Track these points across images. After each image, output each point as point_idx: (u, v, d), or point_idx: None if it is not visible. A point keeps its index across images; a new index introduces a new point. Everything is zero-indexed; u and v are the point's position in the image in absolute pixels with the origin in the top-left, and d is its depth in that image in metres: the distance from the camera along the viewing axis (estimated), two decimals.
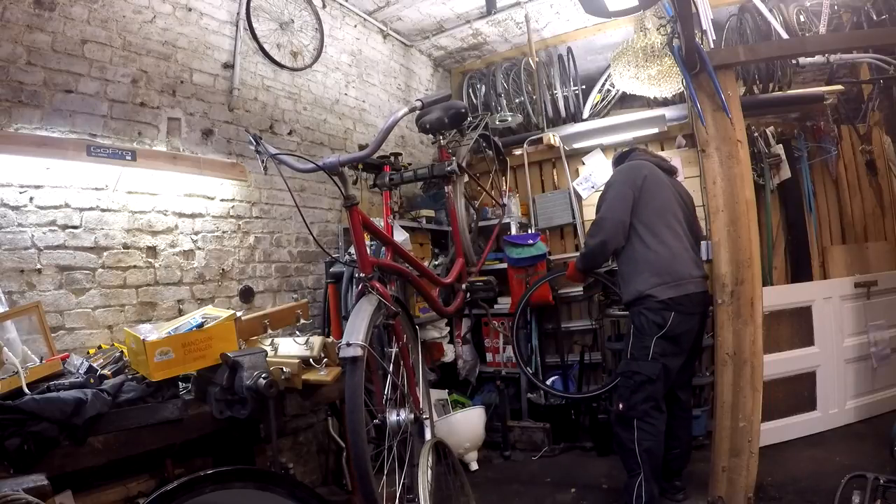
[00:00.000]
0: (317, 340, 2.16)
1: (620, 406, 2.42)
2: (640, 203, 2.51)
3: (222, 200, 2.79)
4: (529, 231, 4.04)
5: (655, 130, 3.99)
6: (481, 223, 3.84)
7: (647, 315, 2.44)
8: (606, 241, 2.53)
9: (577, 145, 4.16)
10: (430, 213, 3.84)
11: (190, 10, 2.71)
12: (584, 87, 4.57)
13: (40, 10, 2.11)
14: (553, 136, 4.11)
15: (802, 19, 3.40)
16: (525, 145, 4.19)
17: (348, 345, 1.58)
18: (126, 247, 2.35)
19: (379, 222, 2.46)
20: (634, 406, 2.38)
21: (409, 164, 3.00)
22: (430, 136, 2.86)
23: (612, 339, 3.56)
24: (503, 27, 4.31)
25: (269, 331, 2.39)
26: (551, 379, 3.80)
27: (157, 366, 1.79)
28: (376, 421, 1.89)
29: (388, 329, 1.94)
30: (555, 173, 4.29)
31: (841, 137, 3.81)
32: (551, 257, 3.94)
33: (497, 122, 4.13)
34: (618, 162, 2.84)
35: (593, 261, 2.74)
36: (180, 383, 2.01)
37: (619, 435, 2.45)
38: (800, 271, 3.74)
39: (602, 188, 2.87)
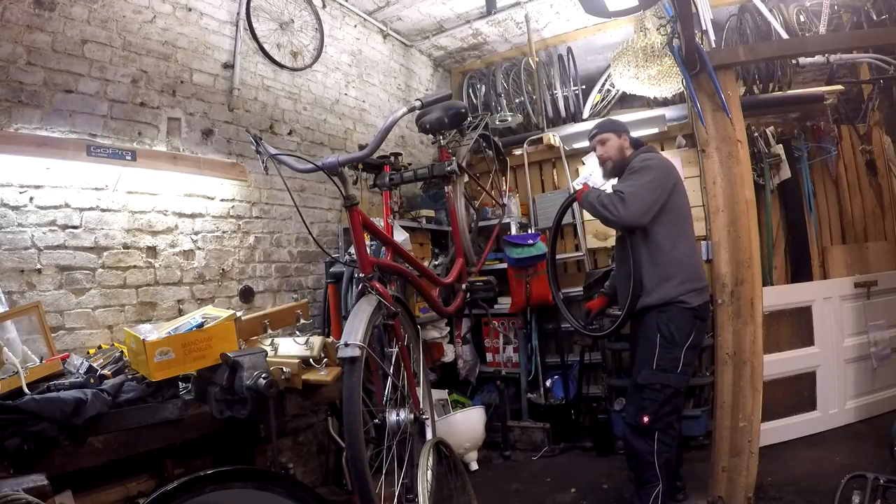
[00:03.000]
0: (317, 340, 2.17)
1: (646, 419, 2.29)
2: (670, 205, 2.38)
3: (222, 200, 2.79)
4: (529, 231, 4.04)
5: (655, 130, 4.00)
6: (481, 223, 3.84)
7: (677, 323, 2.32)
8: (618, 220, 2.32)
9: (577, 145, 4.15)
10: (430, 213, 3.84)
11: (190, 10, 2.71)
12: (584, 87, 4.58)
13: (40, 10, 2.11)
14: (553, 136, 4.12)
15: (802, 19, 3.40)
16: (525, 145, 4.20)
17: (346, 345, 1.59)
18: (126, 247, 2.35)
19: (379, 222, 2.46)
20: (661, 418, 2.29)
21: (409, 164, 3.00)
22: (430, 136, 2.85)
23: (612, 340, 3.55)
24: (503, 27, 4.31)
25: (269, 331, 2.39)
26: (551, 379, 3.80)
27: (157, 366, 1.79)
28: (376, 421, 1.89)
29: (388, 329, 1.94)
30: (555, 173, 4.29)
31: (841, 137, 3.81)
32: None
33: (497, 122, 4.13)
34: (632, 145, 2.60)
35: (595, 216, 2.51)
36: (180, 383, 2.01)
37: (635, 446, 2.34)
38: (800, 271, 3.74)
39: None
